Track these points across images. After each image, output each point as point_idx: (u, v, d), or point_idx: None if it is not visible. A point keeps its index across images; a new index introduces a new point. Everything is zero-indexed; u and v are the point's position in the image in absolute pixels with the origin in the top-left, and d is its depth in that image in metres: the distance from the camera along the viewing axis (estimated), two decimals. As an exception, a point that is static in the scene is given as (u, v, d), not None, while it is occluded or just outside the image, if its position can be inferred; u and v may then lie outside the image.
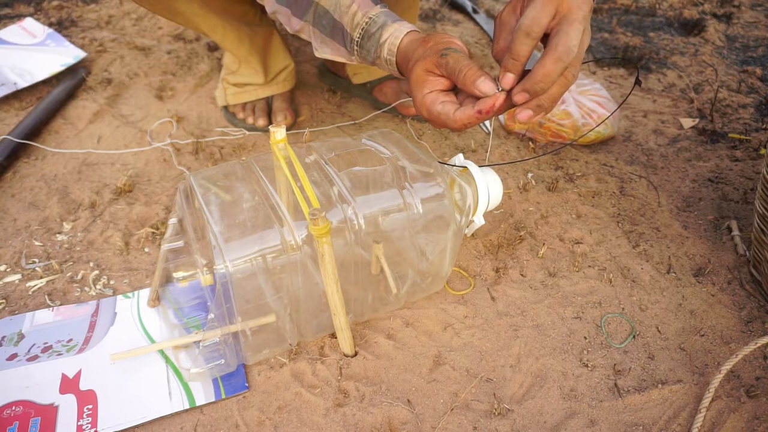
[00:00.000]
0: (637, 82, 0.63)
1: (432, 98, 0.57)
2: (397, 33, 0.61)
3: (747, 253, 0.79)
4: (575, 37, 0.50)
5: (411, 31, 0.62)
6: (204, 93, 1.14)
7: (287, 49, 1.03)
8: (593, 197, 0.90)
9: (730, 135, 1.05)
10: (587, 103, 0.98)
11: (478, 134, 1.04)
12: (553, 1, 0.51)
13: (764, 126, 1.08)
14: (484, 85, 0.53)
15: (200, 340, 0.60)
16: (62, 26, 1.38)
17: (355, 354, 0.65)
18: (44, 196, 0.87)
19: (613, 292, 0.74)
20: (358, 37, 0.63)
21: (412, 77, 0.58)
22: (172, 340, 0.65)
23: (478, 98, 0.55)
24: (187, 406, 0.59)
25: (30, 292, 0.72)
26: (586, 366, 0.65)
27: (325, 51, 0.69)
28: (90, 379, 0.62)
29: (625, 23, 1.51)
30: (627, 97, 0.81)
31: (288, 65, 1.04)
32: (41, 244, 0.79)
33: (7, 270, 0.75)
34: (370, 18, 0.62)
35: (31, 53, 1.20)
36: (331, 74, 1.14)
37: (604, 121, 0.97)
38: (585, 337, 0.68)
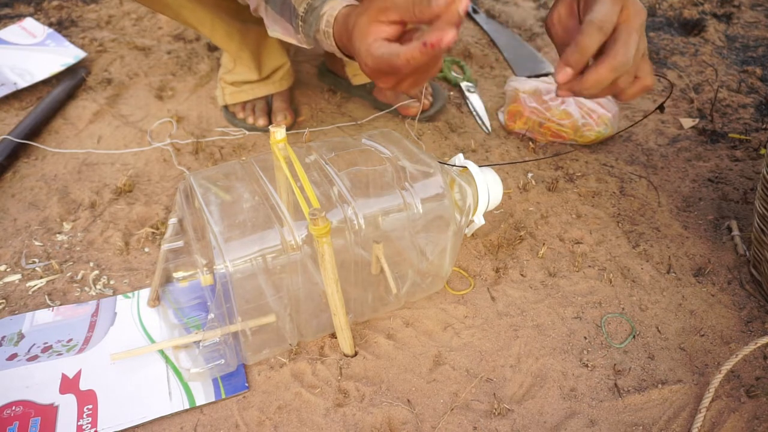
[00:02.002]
0: (660, 108, 0.63)
1: (376, 45, 0.54)
2: (336, 5, 0.61)
3: (747, 253, 0.79)
4: (633, 48, 0.49)
5: (351, 4, 0.61)
6: (204, 93, 1.14)
7: (283, 48, 1.02)
8: (593, 197, 0.90)
9: (730, 135, 1.05)
10: (587, 103, 0.98)
11: (478, 134, 1.04)
12: (619, 2, 0.49)
13: (764, 126, 1.08)
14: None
15: (200, 340, 0.60)
16: (62, 26, 1.38)
17: (355, 354, 0.65)
18: (44, 196, 0.87)
19: (613, 292, 0.74)
20: (303, 12, 0.63)
21: (356, 33, 0.55)
22: (172, 340, 0.65)
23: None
24: (187, 406, 0.59)
25: (30, 292, 0.72)
26: (586, 366, 0.65)
27: (276, 30, 0.69)
28: (90, 379, 0.62)
29: (625, 23, 1.51)
30: (643, 119, 0.80)
31: (283, 64, 1.03)
32: (41, 244, 0.79)
33: (7, 270, 0.75)
34: None
35: (31, 53, 1.20)
36: (331, 74, 1.14)
37: (611, 128, 0.97)
38: (585, 337, 0.68)
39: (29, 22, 1.31)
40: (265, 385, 0.62)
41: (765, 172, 0.68)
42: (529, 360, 0.65)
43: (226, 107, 1.05)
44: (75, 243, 0.79)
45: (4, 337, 0.66)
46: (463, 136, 1.03)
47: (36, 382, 0.61)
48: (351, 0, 0.62)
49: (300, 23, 0.64)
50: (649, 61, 0.55)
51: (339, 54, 0.64)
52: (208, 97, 1.12)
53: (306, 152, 0.66)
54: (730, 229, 0.83)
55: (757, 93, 1.19)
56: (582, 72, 0.52)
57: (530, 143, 1.00)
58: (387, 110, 1.07)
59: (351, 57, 0.63)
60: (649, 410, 0.61)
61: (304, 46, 0.68)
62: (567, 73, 0.51)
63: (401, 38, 0.55)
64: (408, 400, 0.61)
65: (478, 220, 0.68)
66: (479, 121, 1.06)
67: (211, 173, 0.63)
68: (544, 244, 0.81)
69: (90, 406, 0.59)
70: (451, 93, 1.16)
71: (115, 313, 0.70)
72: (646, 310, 0.72)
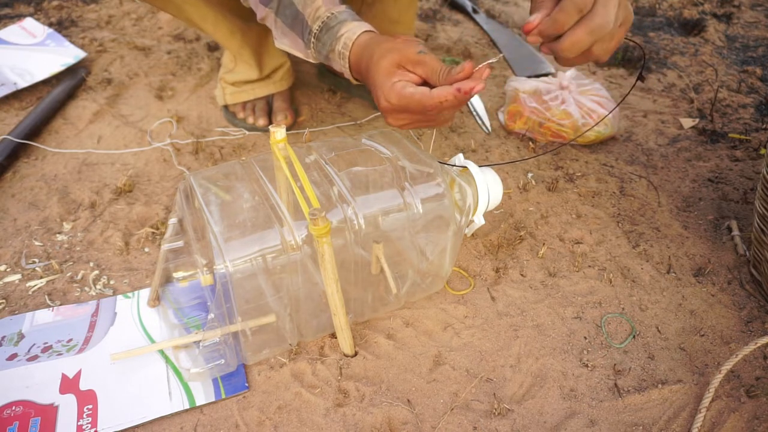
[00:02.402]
0: (640, 78, 0.63)
1: (402, 84, 0.57)
2: (355, 29, 0.62)
3: (747, 253, 0.79)
4: (613, 11, 0.49)
5: (370, 30, 0.63)
6: (204, 93, 1.14)
7: None
8: (593, 197, 0.90)
9: (730, 135, 1.05)
10: (587, 103, 0.98)
11: (478, 134, 1.04)
12: None
13: (764, 126, 1.08)
14: (463, 66, 0.54)
15: (200, 340, 0.60)
16: (62, 26, 1.38)
17: (355, 354, 0.65)
18: (44, 196, 0.87)
19: (613, 292, 0.74)
20: (317, 30, 0.64)
21: (381, 68, 0.58)
22: (172, 340, 0.65)
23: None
24: (187, 406, 0.59)
25: (30, 292, 0.72)
26: (586, 366, 0.65)
27: (284, 42, 0.70)
28: (90, 379, 0.62)
29: (625, 23, 1.51)
30: (628, 93, 0.80)
31: (284, 63, 1.03)
32: (41, 244, 0.79)
33: (7, 270, 0.75)
34: (333, 13, 0.64)
35: (31, 53, 1.20)
36: (331, 74, 1.14)
37: (603, 118, 0.97)
38: (585, 337, 0.68)
39: (29, 22, 1.31)
40: (265, 385, 0.62)
41: (765, 172, 0.68)
42: (529, 360, 0.65)
43: (226, 107, 1.05)
44: (75, 243, 0.79)
45: (4, 337, 0.66)
46: (463, 136, 1.03)
47: (36, 382, 0.61)
48: (368, 26, 0.64)
49: (313, 40, 0.65)
50: (622, 37, 0.54)
51: (348, 75, 0.66)
52: (208, 97, 1.12)
53: (306, 152, 0.66)
54: (730, 229, 0.83)
55: (757, 93, 1.19)
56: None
57: (530, 143, 1.00)
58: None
59: (359, 81, 0.66)
60: (649, 410, 0.61)
61: (311, 60, 0.69)
62: (537, 39, 0.53)
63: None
64: (408, 400, 0.61)
65: (478, 220, 0.68)
66: (479, 121, 1.06)
67: (211, 173, 0.63)
68: (544, 244, 0.81)
69: (90, 406, 0.59)
70: (451, 93, 1.16)
71: (115, 313, 0.70)
72: (646, 310, 0.72)
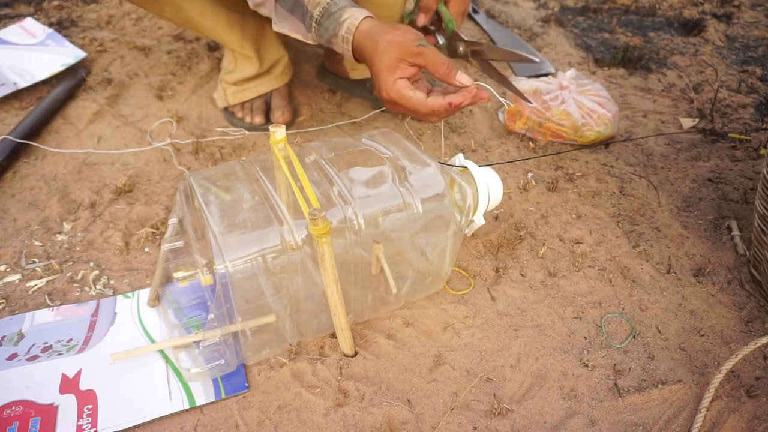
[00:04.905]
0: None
1: (403, 83, 0.65)
2: (357, 15, 0.69)
3: (747, 253, 0.79)
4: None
5: (369, 16, 0.69)
6: (204, 93, 1.14)
7: (280, 40, 1.03)
8: (593, 197, 0.90)
9: (730, 135, 1.05)
10: (587, 103, 0.98)
11: (479, 134, 1.04)
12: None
13: (764, 126, 1.08)
14: (464, 78, 0.65)
15: (200, 340, 0.60)
16: (62, 26, 1.38)
17: (355, 354, 0.65)
18: (44, 196, 0.87)
19: (613, 292, 0.74)
20: (318, 15, 0.70)
21: (384, 62, 0.65)
22: (172, 340, 0.65)
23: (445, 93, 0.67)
24: (187, 406, 0.59)
25: (30, 292, 0.72)
26: (586, 366, 0.65)
27: (284, 26, 0.75)
28: (90, 379, 0.62)
29: (625, 23, 1.51)
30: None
31: (282, 56, 1.03)
32: (41, 244, 0.79)
33: (7, 270, 0.75)
34: (332, 0, 0.70)
35: (31, 53, 1.20)
36: (331, 74, 1.14)
37: (608, 119, 0.97)
38: (585, 337, 0.68)
39: (29, 22, 1.31)
40: (265, 385, 0.62)
41: (765, 172, 0.68)
42: (529, 360, 0.65)
43: (225, 108, 1.05)
44: (75, 243, 0.79)
45: (4, 337, 0.66)
46: (463, 136, 1.03)
47: (36, 382, 0.61)
48: (367, 12, 0.70)
49: (314, 25, 0.71)
50: None
51: (349, 57, 0.71)
52: (208, 97, 1.12)
53: (306, 152, 0.66)
54: (730, 229, 0.83)
55: (757, 93, 1.19)
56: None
57: (530, 143, 1.00)
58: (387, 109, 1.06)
59: (360, 61, 0.72)
60: (649, 410, 0.61)
61: (310, 42, 0.75)
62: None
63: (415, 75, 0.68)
64: (408, 400, 0.61)
65: (478, 220, 0.68)
66: (525, 57, 0.77)
67: (211, 173, 0.63)
68: (544, 244, 0.81)
69: (90, 406, 0.59)
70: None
71: (115, 313, 0.70)
72: (646, 310, 0.72)
